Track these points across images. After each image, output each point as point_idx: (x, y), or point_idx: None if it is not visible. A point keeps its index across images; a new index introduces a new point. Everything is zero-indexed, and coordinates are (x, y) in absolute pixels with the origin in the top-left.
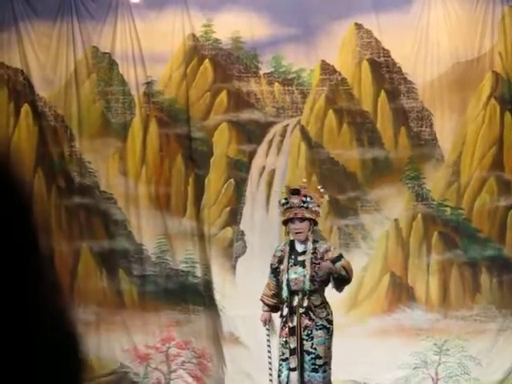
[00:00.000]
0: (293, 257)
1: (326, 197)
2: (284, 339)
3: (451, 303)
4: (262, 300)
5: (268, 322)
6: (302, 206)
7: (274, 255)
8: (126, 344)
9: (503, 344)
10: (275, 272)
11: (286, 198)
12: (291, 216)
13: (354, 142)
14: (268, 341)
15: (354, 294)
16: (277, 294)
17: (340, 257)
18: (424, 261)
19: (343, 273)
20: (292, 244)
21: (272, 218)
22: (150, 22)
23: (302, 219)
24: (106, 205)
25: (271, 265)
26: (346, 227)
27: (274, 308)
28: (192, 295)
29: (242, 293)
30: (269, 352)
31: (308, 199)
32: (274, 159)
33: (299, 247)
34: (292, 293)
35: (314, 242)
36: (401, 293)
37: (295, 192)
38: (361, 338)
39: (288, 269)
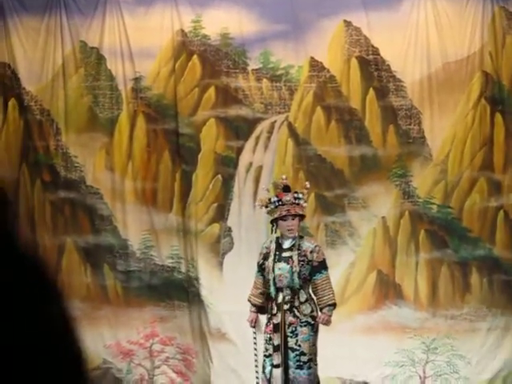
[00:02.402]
0: (277, 253)
1: (308, 185)
2: (268, 335)
3: (441, 302)
4: (249, 300)
5: (255, 322)
6: (294, 203)
7: (260, 253)
8: (110, 340)
9: (493, 343)
10: (261, 270)
11: (276, 196)
12: (284, 213)
13: (341, 139)
14: (255, 342)
15: (341, 290)
16: (264, 293)
17: (322, 268)
18: (412, 259)
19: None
20: (277, 241)
21: (259, 214)
22: (138, 17)
23: (294, 216)
24: (92, 200)
25: (258, 263)
26: (333, 224)
27: (260, 308)
28: (177, 291)
29: (229, 289)
30: (255, 351)
31: (300, 195)
32: (261, 155)
33: (285, 243)
34: (277, 289)
35: (300, 237)
36: (388, 290)
37: (287, 189)
38: (347, 334)
39: (274, 264)
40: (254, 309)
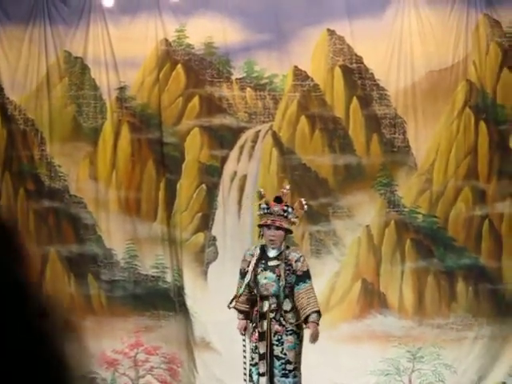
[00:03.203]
0: (263, 261)
1: (306, 207)
2: (254, 344)
3: (426, 311)
4: (235, 308)
5: (245, 329)
6: (282, 215)
7: (243, 259)
8: (94, 349)
9: (479, 352)
10: (245, 276)
11: (267, 203)
12: (268, 222)
13: (326, 148)
14: (244, 349)
15: (326, 299)
16: (249, 298)
17: (305, 277)
18: (397, 268)
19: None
20: (263, 248)
21: (244, 223)
22: (122, 26)
23: (279, 228)
24: (76, 209)
25: (241, 270)
26: (318, 233)
27: (247, 314)
28: (162, 300)
29: (213, 298)
30: (244, 359)
31: (289, 210)
32: (245, 165)
33: (271, 252)
34: (262, 298)
35: (286, 247)
36: (372, 299)
37: (278, 200)
38: (332, 343)
39: (258, 273)
40: (241, 316)
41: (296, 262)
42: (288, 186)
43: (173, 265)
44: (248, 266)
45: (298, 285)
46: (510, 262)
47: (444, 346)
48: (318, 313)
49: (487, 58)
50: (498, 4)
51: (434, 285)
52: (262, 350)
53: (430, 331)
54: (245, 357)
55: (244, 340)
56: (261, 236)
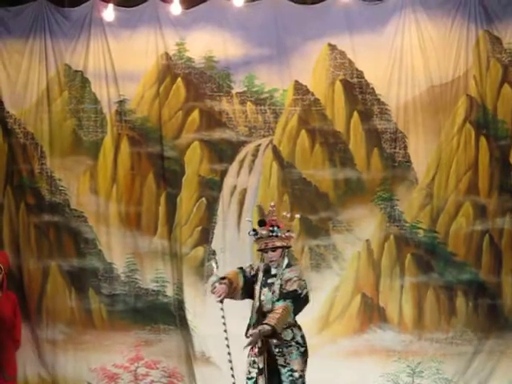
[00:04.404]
0: (264, 278)
1: (297, 215)
2: (252, 359)
3: (426, 325)
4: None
5: (223, 295)
6: (272, 236)
7: (251, 264)
8: (94, 363)
9: (478, 366)
10: (248, 276)
11: (254, 229)
12: (262, 247)
13: (326, 162)
14: (224, 322)
15: (326, 314)
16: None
17: (287, 296)
18: (397, 282)
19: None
20: (268, 265)
21: (243, 237)
22: (123, 40)
23: (274, 248)
24: (77, 223)
25: (250, 265)
26: (318, 247)
27: (230, 285)
28: (162, 314)
29: (213, 312)
30: (226, 334)
31: (275, 228)
32: (245, 178)
33: (273, 270)
34: (263, 313)
35: (288, 266)
36: (372, 314)
37: (261, 223)
38: (332, 358)
39: (260, 289)
40: (225, 281)
41: (287, 281)
42: (273, 203)
43: (173, 279)
44: (255, 272)
45: (278, 301)
46: (509, 278)
47: (443, 360)
48: (272, 328)
49: (488, 74)
50: (498, 20)
51: (434, 299)
52: (261, 365)
53: (429, 346)
54: (226, 332)
55: (222, 309)
56: (263, 259)
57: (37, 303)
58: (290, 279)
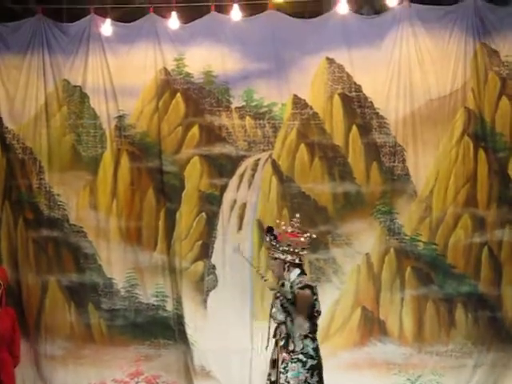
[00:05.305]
0: (277, 291)
1: (314, 235)
2: (269, 371)
3: (426, 338)
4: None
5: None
6: (273, 245)
7: None
8: (94, 379)
9: (479, 379)
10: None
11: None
12: (269, 254)
13: (325, 176)
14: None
15: (326, 327)
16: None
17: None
18: (397, 295)
19: (288, 295)
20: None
21: (243, 251)
22: (121, 55)
23: (273, 258)
24: (76, 238)
25: None
26: (317, 261)
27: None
28: (162, 329)
29: (213, 326)
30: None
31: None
32: (245, 193)
33: (285, 283)
34: (276, 326)
35: (299, 275)
36: (372, 327)
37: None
38: (332, 371)
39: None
40: None
41: (296, 284)
42: (298, 215)
43: (173, 293)
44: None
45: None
46: (509, 290)
47: (443, 373)
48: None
49: (486, 87)
50: (496, 33)
51: (434, 312)
52: (273, 378)
53: (429, 358)
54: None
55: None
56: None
57: (36, 318)
58: (297, 283)
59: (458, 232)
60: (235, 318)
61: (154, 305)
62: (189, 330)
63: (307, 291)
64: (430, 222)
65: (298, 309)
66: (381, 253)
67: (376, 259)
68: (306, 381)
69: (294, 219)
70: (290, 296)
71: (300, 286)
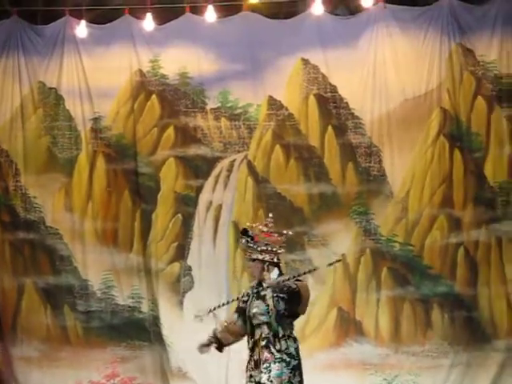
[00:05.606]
0: (255, 291)
1: (290, 232)
2: (249, 373)
3: (402, 339)
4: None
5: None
6: (250, 247)
7: (242, 294)
8: (70, 380)
9: (455, 379)
10: (243, 309)
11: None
12: (246, 256)
13: (301, 176)
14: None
15: (302, 328)
16: (237, 329)
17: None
18: (373, 296)
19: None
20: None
21: (219, 252)
22: (96, 57)
23: (252, 259)
24: (52, 240)
25: (241, 296)
26: (293, 262)
27: (220, 347)
28: (138, 331)
29: (189, 328)
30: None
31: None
32: (221, 194)
33: (265, 283)
34: (255, 326)
35: (279, 275)
36: (348, 327)
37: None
38: (308, 372)
39: (251, 303)
40: (213, 340)
41: (280, 281)
42: (271, 214)
43: (148, 295)
44: (243, 302)
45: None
46: (485, 290)
47: (420, 373)
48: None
49: (461, 87)
50: (471, 33)
51: (410, 312)
52: (257, 378)
53: (406, 359)
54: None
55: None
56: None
57: (12, 320)
58: (283, 280)
59: (434, 233)
60: (211, 318)
61: (130, 306)
62: (165, 332)
63: (305, 282)
64: (406, 223)
65: (304, 301)
66: (357, 253)
67: (352, 260)
68: (289, 381)
69: (268, 219)
70: (294, 285)
71: (294, 279)
